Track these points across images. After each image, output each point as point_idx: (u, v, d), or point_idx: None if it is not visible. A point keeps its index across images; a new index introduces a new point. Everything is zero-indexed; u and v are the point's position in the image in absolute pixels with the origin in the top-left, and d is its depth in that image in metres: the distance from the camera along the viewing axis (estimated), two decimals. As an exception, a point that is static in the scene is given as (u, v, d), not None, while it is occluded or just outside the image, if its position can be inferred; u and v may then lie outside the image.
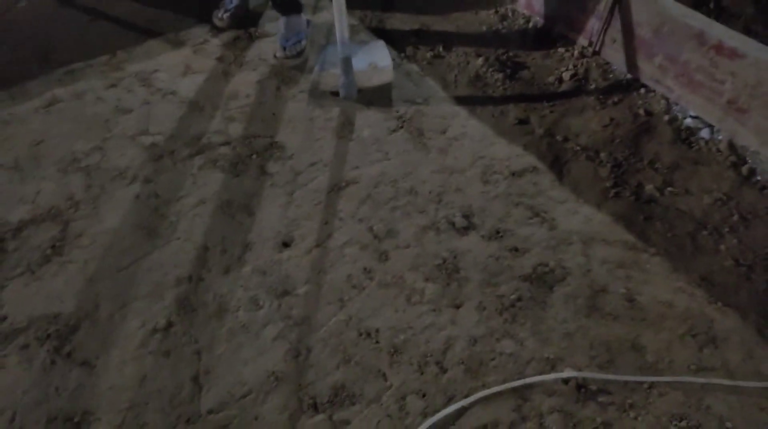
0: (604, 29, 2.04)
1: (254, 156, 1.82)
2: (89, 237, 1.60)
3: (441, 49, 2.21)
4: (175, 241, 1.60)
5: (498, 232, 1.63)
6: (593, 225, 1.65)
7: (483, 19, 2.40)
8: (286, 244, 1.60)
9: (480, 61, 2.13)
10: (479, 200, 1.72)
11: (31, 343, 1.39)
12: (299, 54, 2.21)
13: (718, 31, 1.76)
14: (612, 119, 1.93)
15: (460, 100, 2.03)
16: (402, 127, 1.93)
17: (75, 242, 1.58)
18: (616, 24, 2.01)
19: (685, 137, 1.86)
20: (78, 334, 1.40)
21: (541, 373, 1.35)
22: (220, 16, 2.33)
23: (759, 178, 1.73)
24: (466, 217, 1.67)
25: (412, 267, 1.55)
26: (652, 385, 1.33)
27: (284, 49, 2.19)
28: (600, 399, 1.31)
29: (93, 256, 1.55)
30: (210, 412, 1.29)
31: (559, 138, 1.89)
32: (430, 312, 1.46)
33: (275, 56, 2.21)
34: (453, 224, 1.65)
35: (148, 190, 1.72)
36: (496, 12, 2.43)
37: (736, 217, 1.64)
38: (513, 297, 1.49)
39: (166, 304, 1.46)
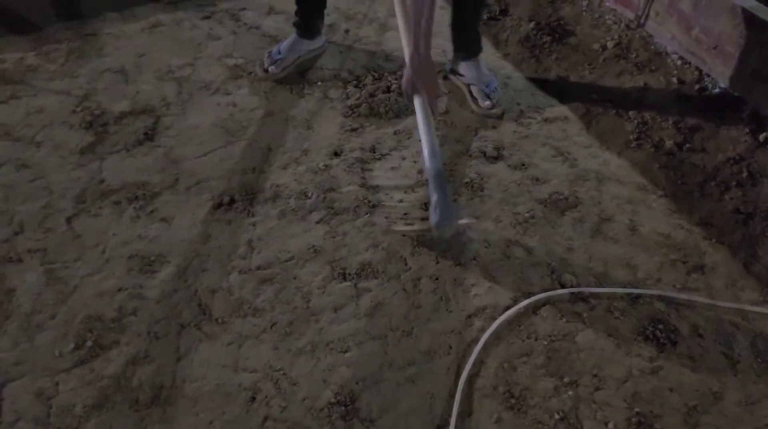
0: (650, 3, 2.21)
1: (319, 83, 2.09)
2: (176, 130, 1.90)
3: (497, 12, 2.43)
4: (244, 141, 1.88)
5: (523, 164, 1.84)
6: (611, 167, 1.84)
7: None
8: (336, 154, 1.86)
9: (531, 25, 2.34)
10: (511, 137, 1.92)
11: (122, 200, 1.69)
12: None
13: (749, 4, 1.91)
14: (645, 84, 2.10)
15: (508, 57, 2.24)
16: (449, 75, 2.15)
17: (164, 132, 1.89)
18: None
19: (712, 105, 2.01)
20: (160, 198, 1.70)
21: (542, 275, 1.56)
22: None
23: (774, 144, 1.88)
24: (496, 149, 1.88)
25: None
26: (638, 296, 1.52)
27: (489, 97, 1.99)
28: (590, 301, 1.51)
29: (178, 144, 1.85)
30: (258, 268, 1.55)
31: (594, 96, 2.07)
32: (452, 218, 1.69)
33: (479, 106, 1.99)
34: (484, 153, 1.86)
35: (227, 101, 2.01)
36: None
37: (745, 175, 1.79)
38: (527, 215, 1.70)
39: (232, 187, 1.74)
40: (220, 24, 2.33)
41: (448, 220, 1.48)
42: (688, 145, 1.88)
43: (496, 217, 1.69)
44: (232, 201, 1.71)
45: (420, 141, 1.58)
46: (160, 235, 1.61)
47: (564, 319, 1.47)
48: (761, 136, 1.88)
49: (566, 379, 1.35)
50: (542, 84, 2.13)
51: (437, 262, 1.58)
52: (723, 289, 1.54)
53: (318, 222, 1.67)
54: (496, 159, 1.85)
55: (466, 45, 2.04)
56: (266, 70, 2.08)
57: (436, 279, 1.55)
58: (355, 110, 1.99)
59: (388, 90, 2.05)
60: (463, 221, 1.57)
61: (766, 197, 1.73)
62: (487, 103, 1.98)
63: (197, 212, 1.67)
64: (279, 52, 2.09)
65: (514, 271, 1.56)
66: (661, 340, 1.43)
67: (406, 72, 1.63)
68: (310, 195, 1.73)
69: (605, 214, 1.70)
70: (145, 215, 1.66)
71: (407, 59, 1.64)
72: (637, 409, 1.29)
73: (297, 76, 2.12)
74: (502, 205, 1.72)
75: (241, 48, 2.22)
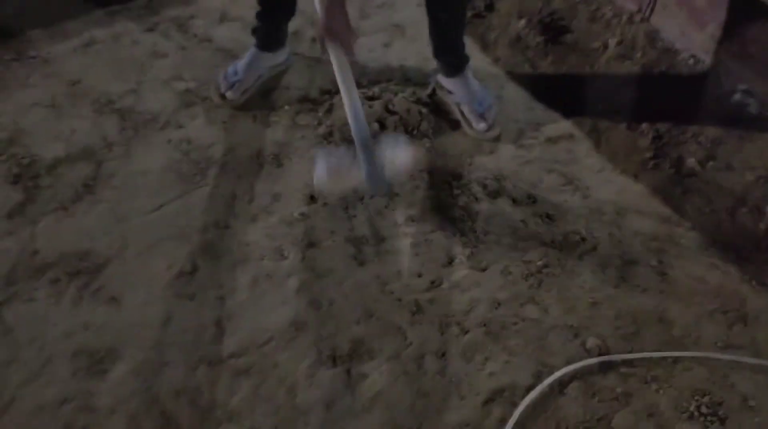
0: (656, -6, 1.96)
1: (286, 107, 1.81)
2: (121, 178, 1.61)
3: (483, 8, 2.15)
4: (204, 187, 1.60)
5: (529, 197, 1.60)
6: (628, 196, 1.61)
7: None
8: (313, 198, 1.60)
9: (522, 22, 2.07)
10: (511, 164, 1.68)
11: (61, 277, 1.41)
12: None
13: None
14: (655, 89, 1.87)
15: (499, 62, 1.98)
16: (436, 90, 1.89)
17: (107, 182, 1.60)
18: (669, -11, 1.93)
19: (732, 112, 1.79)
20: (106, 271, 1.42)
21: (564, 341, 1.34)
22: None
23: (807, 157, 1.67)
24: (497, 180, 1.63)
25: (441, 227, 1.53)
26: (677, 360, 1.31)
27: (483, 118, 1.73)
28: (622, 370, 1.30)
29: (124, 197, 1.57)
30: (231, 356, 1.30)
31: (599, 106, 1.83)
32: (454, 273, 1.45)
33: (473, 128, 1.73)
34: (485, 187, 1.62)
35: (179, 135, 1.72)
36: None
37: (778, 196, 1.59)
38: (540, 263, 1.47)
39: (193, 249, 1.47)
40: (166, 37, 2.01)
41: (381, 187, 1.49)
42: (711, 163, 1.67)
43: (505, 268, 1.46)
44: (194, 268, 1.44)
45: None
46: (108, 321, 1.34)
47: (596, 398, 1.25)
48: (791, 148, 1.68)
49: (607, 482, 1.14)
50: (540, 94, 1.87)
51: (442, 334, 1.35)
52: (771, 343, 1.34)
53: (298, 289, 1.41)
54: (498, 193, 1.61)
55: (448, 59, 1.75)
56: (223, 96, 1.79)
57: (442, 355, 1.32)
58: (329, 139, 1.72)
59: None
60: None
61: (805, 223, 1.54)
62: (482, 125, 1.72)
63: (152, 286, 1.40)
64: (236, 73, 1.80)
65: (531, 338, 1.34)
66: (709, 418, 1.23)
67: (320, 19, 1.35)
68: (286, 254, 1.47)
69: (629, 256, 1.48)
70: (89, 295, 1.38)
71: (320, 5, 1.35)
72: None
73: (260, 99, 1.83)
74: (510, 253, 1.49)
75: (191, 67, 1.92)
